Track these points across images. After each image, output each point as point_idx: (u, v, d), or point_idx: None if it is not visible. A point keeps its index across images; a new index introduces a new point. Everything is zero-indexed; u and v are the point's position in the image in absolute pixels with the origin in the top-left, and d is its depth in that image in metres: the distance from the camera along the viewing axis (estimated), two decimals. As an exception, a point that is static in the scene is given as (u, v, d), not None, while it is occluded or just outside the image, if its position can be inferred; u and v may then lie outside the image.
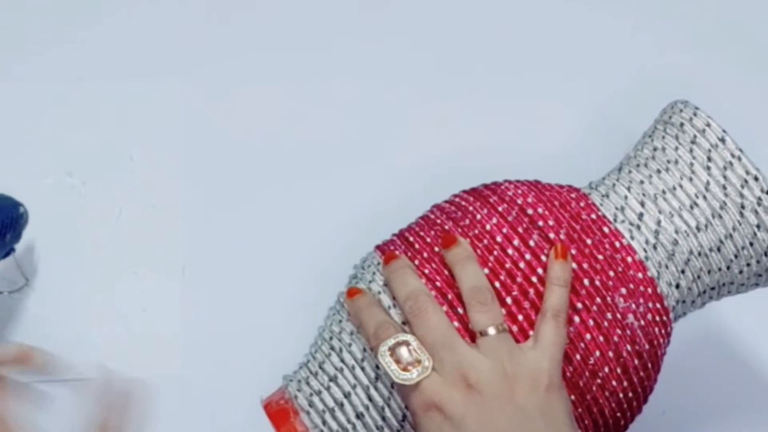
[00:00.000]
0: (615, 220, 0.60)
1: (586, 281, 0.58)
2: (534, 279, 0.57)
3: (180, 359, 0.79)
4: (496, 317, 0.55)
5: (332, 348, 0.60)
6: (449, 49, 0.94)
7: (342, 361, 0.60)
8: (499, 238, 0.59)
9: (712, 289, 0.62)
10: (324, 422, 0.59)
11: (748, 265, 0.60)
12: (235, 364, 0.79)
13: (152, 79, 0.90)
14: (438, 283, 0.58)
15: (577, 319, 0.57)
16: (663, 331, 0.60)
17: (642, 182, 0.60)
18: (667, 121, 0.62)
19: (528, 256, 0.58)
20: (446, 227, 0.60)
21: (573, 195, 0.61)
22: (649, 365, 0.59)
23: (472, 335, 0.56)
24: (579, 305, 0.57)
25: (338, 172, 0.87)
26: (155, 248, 0.84)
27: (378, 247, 0.64)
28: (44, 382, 0.78)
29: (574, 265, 0.58)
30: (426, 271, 0.59)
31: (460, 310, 0.57)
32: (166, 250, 0.83)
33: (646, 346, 0.58)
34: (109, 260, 0.83)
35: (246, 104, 0.89)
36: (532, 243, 0.58)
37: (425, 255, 0.60)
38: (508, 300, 0.57)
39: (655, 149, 0.61)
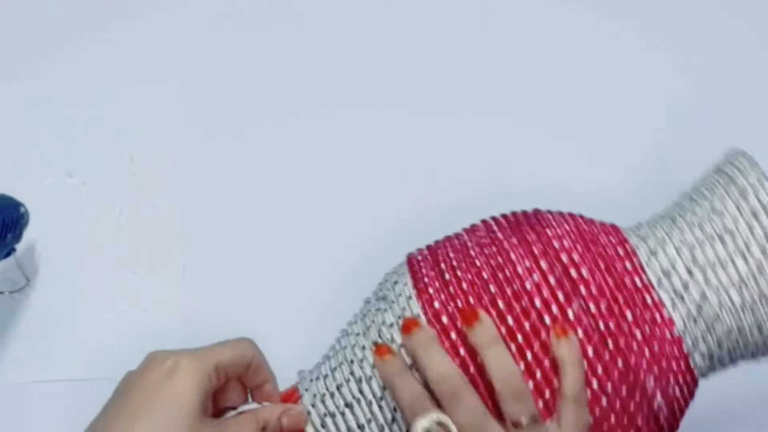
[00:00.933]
0: (659, 285, 0.58)
1: (620, 362, 0.56)
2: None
3: None
4: (530, 407, 0.55)
5: (352, 374, 0.59)
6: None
7: (361, 392, 0.59)
8: (537, 302, 0.57)
9: (743, 357, 0.60)
10: None
11: None
12: None
13: (152, 80, 0.90)
14: (462, 352, 0.57)
15: (604, 401, 0.56)
16: (688, 399, 0.59)
17: (694, 247, 0.58)
18: (729, 177, 0.59)
19: (555, 310, 0.57)
20: (484, 275, 0.58)
21: (620, 250, 0.59)
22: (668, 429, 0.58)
23: (504, 421, 0.55)
24: (609, 388, 0.56)
25: (342, 173, 0.87)
26: (155, 248, 0.83)
27: (408, 262, 0.62)
28: (44, 383, 0.78)
29: (610, 343, 0.56)
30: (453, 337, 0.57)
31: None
32: (167, 250, 0.83)
33: (669, 418, 0.58)
34: (110, 260, 0.83)
35: (246, 104, 0.89)
36: (570, 313, 0.56)
37: (452, 308, 0.58)
38: (538, 373, 0.56)
39: (713, 210, 0.58)
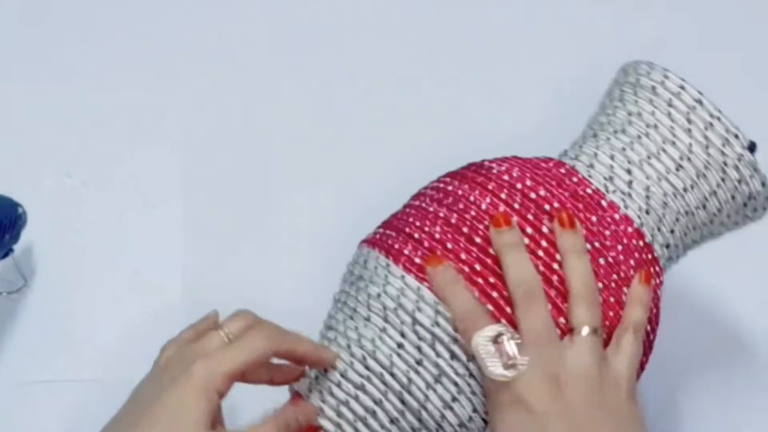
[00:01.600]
0: (607, 191, 0.61)
1: (601, 260, 0.59)
2: (555, 266, 0.58)
3: None
4: (597, 319, 0.56)
5: (353, 356, 0.60)
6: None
7: (368, 368, 0.59)
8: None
9: (695, 242, 0.65)
10: (357, 431, 0.59)
11: (729, 216, 0.63)
12: None
13: (152, 79, 0.90)
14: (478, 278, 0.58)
15: (600, 298, 0.58)
16: (658, 290, 0.62)
17: (624, 149, 0.62)
18: (635, 83, 0.63)
19: (544, 243, 0.59)
20: (452, 221, 0.60)
21: (562, 170, 0.62)
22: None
23: (565, 329, 0.56)
24: (600, 284, 0.58)
25: (336, 168, 0.87)
26: (155, 248, 0.83)
27: (368, 243, 0.64)
28: (42, 383, 0.78)
29: (588, 246, 0.59)
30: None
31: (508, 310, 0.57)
32: (166, 250, 0.83)
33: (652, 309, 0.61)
34: (109, 260, 0.83)
35: (246, 104, 0.89)
36: (545, 229, 0.59)
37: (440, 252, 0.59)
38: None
39: (630, 114, 0.63)
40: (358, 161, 0.87)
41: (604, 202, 0.61)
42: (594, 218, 0.60)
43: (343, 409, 0.59)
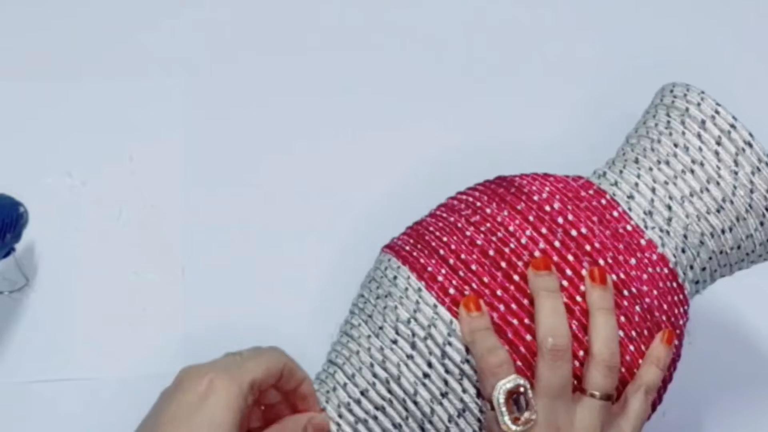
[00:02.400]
0: (646, 228, 0.60)
1: (637, 307, 0.58)
2: (578, 298, 0.57)
3: (180, 359, 0.78)
4: (612, 386, 0.56)
5: (376, 376, 0.59)
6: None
7: (390, 392, 0.58)
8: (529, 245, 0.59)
9: (722, 275, 0.63)
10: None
11: (760, 255, 0.62)
12: None
13: (152, 79, 0.90)
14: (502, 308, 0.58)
15: (632, 347, 0.58)
16: (686, 323, 0.61)
17: (666, 183, 0.60)
18: (683, 112, 0.61)
19: (583, 288, 0.58)
20: (490, 252, 0.58)
21: (603, 201, 0.60)
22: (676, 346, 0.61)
23: (577, 385, 0.57)
24: (634, 334, 0.58)
25: (340, 172, 0.87)
26: (155, 248, 0.83)
27: (396, 254, 0.62)
28: (43, 382, 0.78)
29: (626, 292, 0.58)
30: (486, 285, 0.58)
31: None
32: (166, 250, 0.83)
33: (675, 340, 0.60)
34: (109, 260, 0.82)
35: (246, 103, 0.89)
36: (584, 272, 0.58)
37: (464, 273, 0.59)
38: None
39: (676, 145, 0.61)
40: (376, 167, 0.87)
41: (643, 241, 0.59)
42: (633, 261, 0.59)
43: (361, 428, 0.59)
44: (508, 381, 0.54)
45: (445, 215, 0.62)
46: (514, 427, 0.54)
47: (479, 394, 0.57)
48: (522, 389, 0.54)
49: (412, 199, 0.67)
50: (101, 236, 0.83)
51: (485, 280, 0.58)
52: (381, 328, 0.60)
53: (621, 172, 0.62)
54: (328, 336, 0.71)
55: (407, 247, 0.62)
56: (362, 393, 0.59)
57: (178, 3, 0.93)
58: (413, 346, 0.58)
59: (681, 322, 0.61)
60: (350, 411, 0.59)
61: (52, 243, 0.82)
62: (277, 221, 0.84)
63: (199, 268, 0.83)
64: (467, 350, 0.57)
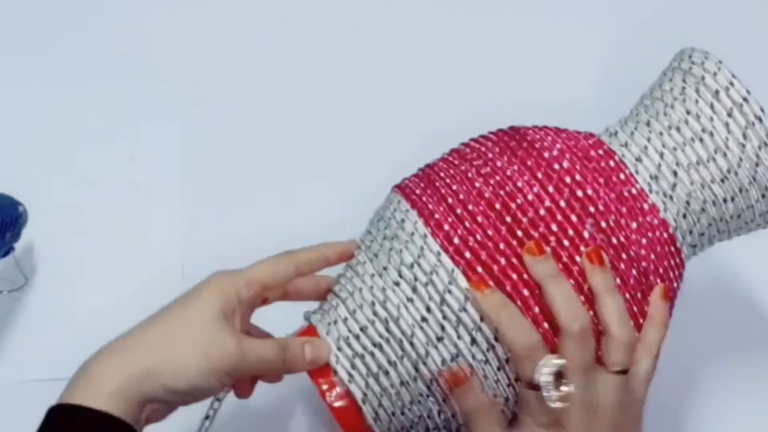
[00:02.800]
0: (650, 191, 0.61)
1: (633, 271, 0.60)
2: (578, 258, 0.59)
3: None
4: (629, 359, 0.59)
5: (376, 314, 0.60)
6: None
7: (389, 331, 0.60)
8: (554, 227, 0.59)
9: (719, 241, 0.65)
10: (367, 385, 0.60)
11: (759, 225, 0.64)
12: None
13: (152, 79, 0.90)
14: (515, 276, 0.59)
15: (627, 295, 0.60)
16: (680, 284, 0.63)
17: (675, 149, 0.61)
18: (699, 80, 0.62)
19: (582, 248, 0.59)
20: (496, 206, 0.60)
21: (611, 162, 0.62)
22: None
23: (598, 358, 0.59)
24: (627, 296, 0.59)
25: (341, 169, 0.87)
26: (154, 248, 0.83)
27: (405, 196, 0.63)
28: (43, 381, 0.78)
29: (623, 255, 0.60)
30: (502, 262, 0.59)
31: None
32: (165, 249, 0.83)
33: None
34: (109, 260, 0.83)
35: (246, 103, 0.89)
36: (586, 234, 0.59)
37: (479, 238, 0.59)
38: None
39: (688, 112, 0.62)
40: (361, 161, 0.87)
41: (645, 205, 0.61)
42: (634, 224, 0.60)
43: (357, 362, 0.60)
44: (548, 361, 0.56)
45: (456, 162, 0.64)
46: (559, 404, 0.56)
47: (473, 342, 0.58)
48: (561, 370, 0.56)
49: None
50: (100, 236, 0.84)
51: (489, 232, 0.59)
52: (385, 268, 0.61)
53: (632, 133, 0.63)
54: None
55: (417, 191, 0.63)
56: (361, 329, 0.60)
57: (178, 3, 0.93)
58: (414, 289, 0.59)
59: (675, 284, 0.62)
60: (349, 345, 0.60)
61: (52, 242, 0.82)
62: (278, 221, 0.84)
63: (199, 268, 0.81)
64: (466, 299, 0.58)
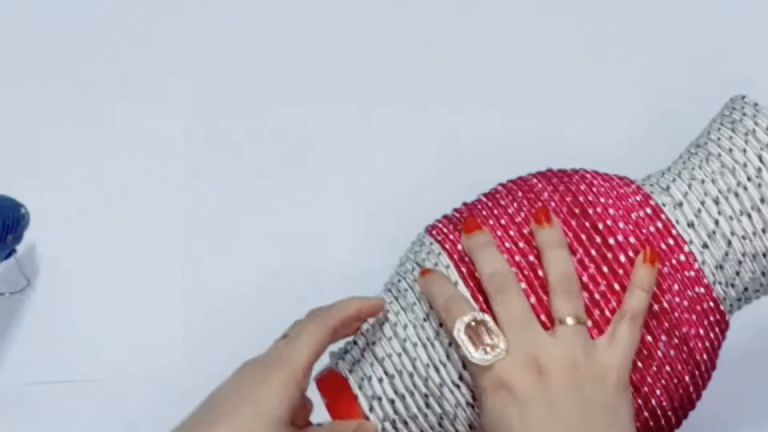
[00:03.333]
0: (689, 243, 0.59)
1: (675, 339, 0.58)
2: (617, 287, 0.57)
3: (180, 359, 0.79)
4: (578, 308, 0.56)
5: (415, 386, 0.59)
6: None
7: (427, 405, 0.59)
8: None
9: (757, 297, 0.63)
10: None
11: None
12: (236, 364, 0.78)
13: (152, 79, 0.90)
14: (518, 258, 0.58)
15: (659, 353, 0.57)
16: (722, 340, 0.60)
17: (718, 201, 0.60)
18: (737, 120, 0.61)
19: (592, 269, 0.58)
20: (510, 210, 0.60)
21: (648, 210, 0.60)
22: (707, 370, 0.60)
23: (550, 322, 0.56)
24: (664, 337, 0.58)
25: (344, 171, 0.87)
26: (155, 249, 0.83)
27: (430, 229, 0.63)
28: (46, 383, 0.78)
29: (665, 324, 0.58)
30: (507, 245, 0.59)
31: (543, 296, 0.57)
32: (166, 250, 0.83)
33: (705, 358, 0.60)
34: (109, 261, 0.83)
35: (247, 103, 0.89)
36: (593, 252, 0.58)
37: (498, 232, 0.59)
38: (595, 295, 0.58)
39: (723, 166, 0.60)
40: (367, 165, 0.87)
41: (682, 257, 0.59)
42: (676, 287, 0.58)
43: (388, 426, 0.59)
44: (465, 317, 0.55)
45: (496, 212, 0.62)
46: (479, 355, 0.54)
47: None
48: (480, 324, 0.55)
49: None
50: (101, 237, 0.84)
51: (502, 221, 0.60)
52: (425, 319, 0.60)
53: (673, 180, 0.62)
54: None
55: (460, 247, 0.61)
56: (398, 395, 0.59)
57: (179, 5, 0.93)
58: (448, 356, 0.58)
59: (716, 343, 0.60)
60: (381, 407, 0.59)
61: (53, 244, 0.82)
62: (279, 221, 0.84)
63: (199, 268, 0.83)
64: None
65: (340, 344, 0.63)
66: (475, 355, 0.54)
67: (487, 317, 0.55)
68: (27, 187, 0.78)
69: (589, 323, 0.56)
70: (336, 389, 0.60)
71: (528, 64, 0.91)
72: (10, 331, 0.79)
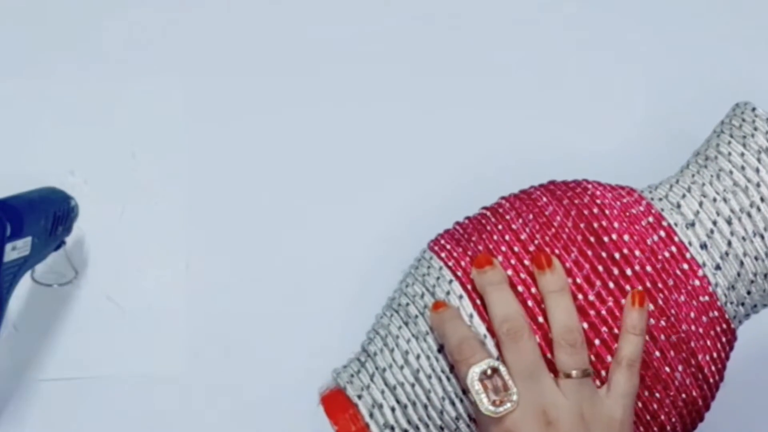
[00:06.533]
0: (701, 263, 0.58)
1: (682, 353, 0.57)
2: (615, 331, 0.57)
3: (184, 356, 0.80)
4: (582, 361, 0.55)
5: (417, 396, 0.58)
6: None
7: (428, 416, 0.59)
8: (578, 280, 0.57)
9: (763, 308, 0.63)
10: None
11: None
12: (239, 361, 0.80)
13: (154, 76, 0.89)
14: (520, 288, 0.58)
15: (656, 363, 0.57)
16: (729, 355, 0.61)
17: (731, 221, 0.59)
18: (748, 134, 0.60)
19: (611, 303, 0.57)
20: (522, 237, 0.59)
21: (662, 233, 0.59)
22: (717, 386, 0.60)
23: (554, 372, 0.56)
24: (657, 353, 0.57)
25: (346, 166, 0.87)
26: (158, 245, 0.83)
27: (435, 248, 0.62)
28: (50, 381, 0.77)
29: (673, 338, 0.57)
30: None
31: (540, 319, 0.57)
32: (169, 246, 0.84)
33: (717, 378, 0.60)
34: (113, 258, 0.82)
35: (248, 100, 0.89)
36: (611, 285, 0.57)
37: (512, 261, 0.58)
38: (614, 330, 0.57)
39: (749, 181, 0.59)
40: (369, 164, 0.87)
41: (697, 281, 0.58)
42: (683, 298, 0.58)
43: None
44: (481, 364, 0.54)
45: (492, 217, 0.62)
46: (491, 408, 0.54)
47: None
48: (494, 373, 0.54)
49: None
50: (104, 234, 0.83)
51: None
52: (427, 333, 0.59)
53: (683, 196, 0.60)
54: (331, 330, 0.76)
55: (462, 263, 0.60)
56: (399, 404, 0.59)
57: (179, 1, 0.92)
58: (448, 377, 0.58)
59: (723, 354, 0.60)
60: (383, 415, 0.59)
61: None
62: (280, 217, 0.85)
63: (202, 264, 0.83)
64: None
65: (343, 361, 0.63)
66: (489, 407, 0.54)
67: (502, 368, 0.55)
68: (27, 185, 0.72)
69: (609, 359, 0.56)
70: (341, 409, 0.59)
71: (527, 72, 0.91)
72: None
